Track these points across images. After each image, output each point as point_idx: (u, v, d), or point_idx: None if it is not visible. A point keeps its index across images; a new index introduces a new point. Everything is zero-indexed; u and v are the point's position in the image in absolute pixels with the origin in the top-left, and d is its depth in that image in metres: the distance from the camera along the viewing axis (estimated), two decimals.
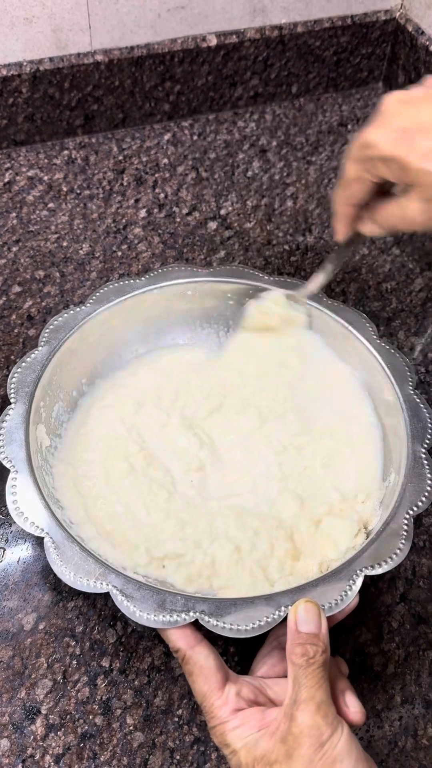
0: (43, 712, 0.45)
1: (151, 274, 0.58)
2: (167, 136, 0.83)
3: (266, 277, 0.59)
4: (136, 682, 0.46)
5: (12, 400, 0.49)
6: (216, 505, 0.51)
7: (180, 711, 0.45)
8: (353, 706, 0.38)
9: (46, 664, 0.46)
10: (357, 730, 0.45)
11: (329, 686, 0.37)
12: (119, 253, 0.70)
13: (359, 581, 0.42)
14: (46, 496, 0.45)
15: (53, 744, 0.44)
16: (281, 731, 0.36)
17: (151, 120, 0.84)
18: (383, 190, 0.45)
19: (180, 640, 0.40)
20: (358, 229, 0.49)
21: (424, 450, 0.48)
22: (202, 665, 0.39)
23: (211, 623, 0.40)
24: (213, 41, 0.80)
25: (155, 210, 0.75)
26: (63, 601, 0.49)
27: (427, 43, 0.82)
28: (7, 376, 0.56)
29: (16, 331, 0.63)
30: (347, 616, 0.43)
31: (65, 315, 0.55)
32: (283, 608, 0.40)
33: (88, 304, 0.56)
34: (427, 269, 0.71)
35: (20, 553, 0.51)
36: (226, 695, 0.38)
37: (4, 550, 0.51)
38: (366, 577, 0.42)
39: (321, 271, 0.55)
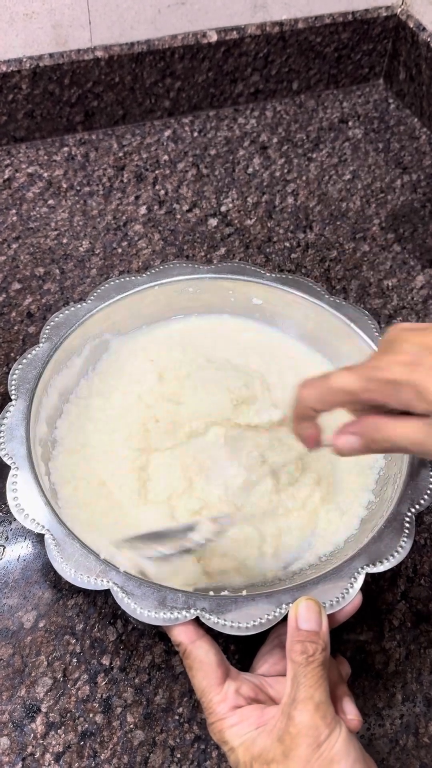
0: (43, 710, 0.45)
1: (153, 271, 0.58)
2: (167, 133, 0.83)
3: (268, 274, 0.59)
4: (136, 680, 0.46)
5: (13, 397, 0.49)
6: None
7: (180, 709, 0.45)
8: (350, 713, 0.38)
9: (46, 662, 0.46)
10: (358, 730, 0.45)
11: (328, 686, 0.37)
12: (119, 250, 0.70)
13: (360, 579, 0.42)
14: (47, 491, 0.45)
15: (53, 742, 0.44)
16: (279, 730, 0.36)
17: (151, 116, 0.83)
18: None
19: (181, 634, 0.40)
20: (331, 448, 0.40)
21: None
22: (202, 660, 0.39)
23: (211, 620, 0.39)
24: (213, 37, 0.79)
25: (155, 207, 0.75)
26: (63, 599, 0.49)
27: (428, 39, 0.82)
28: (7, 373, 0.56)
29: (16, 328, 0.63)
30: (351, 615, 0.42)
31: (66, 312, 0.55)
32: (284, 606, 0.40)
33: (89, 301, 0.56)
34: (428, 266, 0.71)
35: (20, 550, 0.51)
36: (225, 691, 0.38)
37: (4, 547, 0.51)
38: (367, 575, 0.42)
39: None
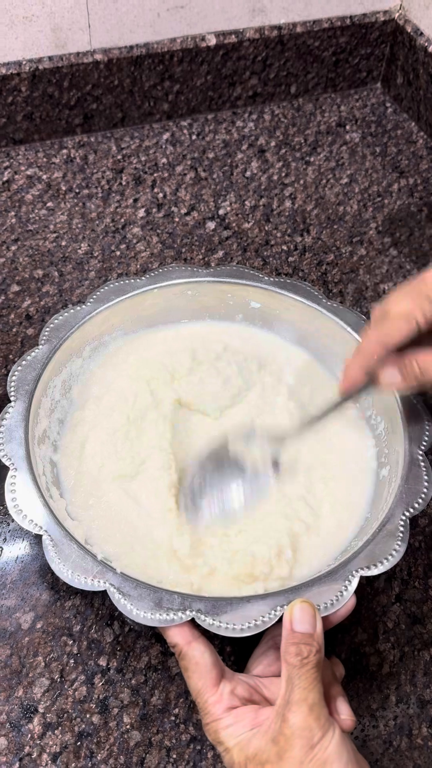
0: (41, 710, 0.45)
1: (151, 274, 0.59)
2: (166, 136, 0.83)
3: (266, 278, 0.59)
4: (133, 681, 0.46)
5: (12, 398, 0.50)
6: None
7: (177, 710, 0.46)
8: (344, 713, 0.39)
9: (43, 663, 0.47)
10: (351, 731, 0.45)
11: (322, 688, 0.37)
12: (118, 253, 0.71)
13: (355, 582, 0.42)
14: (43, 491, 0.45)
15: (50, 742, 0.44)
16: (273, 731, 0.36)
17: (150, 119, 0.84)
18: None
19: (177, 635, 0.40)
20: (376, 377, 0.43)
21: (421, 452, 0.49)
22: (197, 661, 0.39)
23: (207, 622, 0.40)
24: (212, 41, 0.80)
25: (154, 210, 0.75)
26: (60, 600, 0.49)
27: (426, 44, 0.82)
28: (6, 374, 0.57)
29: (14, 330, 0.63)
30: (345, 617, 0.43)
31: (65, 314, 0.55)
32: (279, 608, 0.40)
33: (89, 303, 0.56)
34: (424, 270, 0.71)
35: (18, 551, 0.51)
36: (220, 692, 0.39)
37: (2, 549, 0.51)
38: (362, 577, 0.42)
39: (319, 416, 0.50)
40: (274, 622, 0.40)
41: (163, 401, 0.55)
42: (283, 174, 0.80)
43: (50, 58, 0.75)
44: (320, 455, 0.54)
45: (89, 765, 0.43)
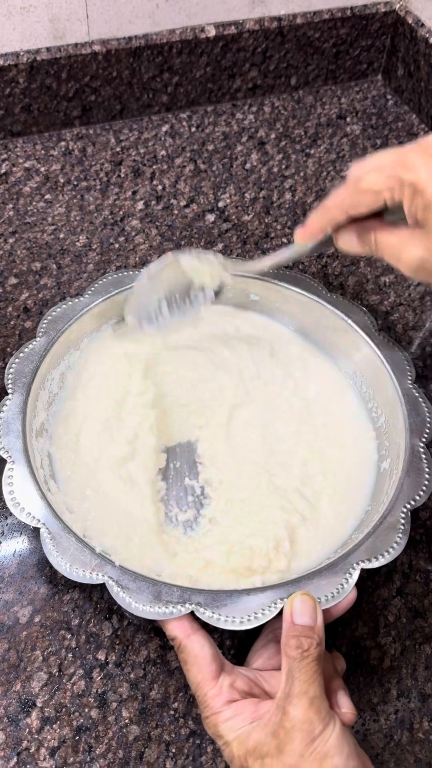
0: (39, 705, 0.45)
1: None
2: (165, 128, 0.83)
3: (266, 270, 0.59)
4: (131, 675, 0.46)
5: (9, 391, 0.49)
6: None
7: (176, 704, 0.45)
8: (345, 707, 0.38)
9: (41, 657, 0.46)
10: (352, 724, 0.45)
11: (323, 681, 0.37)
12: (116, 245, 0.70)
13: (356, 574, 0.42)
14: (41, 484, 0.45)
15: (48, 737, 0.44)
16: (273, 724, 0.36)
17: (149, 111, 0.83)
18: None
19: (176, 628, 0.40)
20: (334, 238, 0.45)
21: (422, 444, 0.48)
22: (197, 654, 0.39)
23: (206, 615, 0.39)
24: (212, 32, 0.79)
25: (153, 202, 0.75)
26: (59, 594, 0.49)
27: (427, 35, 0.82)
28: (3, 367, 0.56)
29: (12, 323, 0.63)
30: (346, 610, 0.42)
31: (63, 306, 0.55)
32: (279, 601, 0.40)
33: (86, 295, 0.56)
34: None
35: (16, 545, 0.51)
36: (219, 685, 0.38)
37: (0, 542, 0.51)
38: (363, 570, 0.42)
39: (273, 257, 0.52)
40: (274, 615, 0.40)
41: (148, 382, 0.55)
42: (283, 166, 0.80)
43: (48, 50, 0.74)
44: (320, 448, 0.53)
45: (88, 759, 0.43)
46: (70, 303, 0.55)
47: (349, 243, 0.44)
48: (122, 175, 0.77)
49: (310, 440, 0.54)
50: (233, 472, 0.52)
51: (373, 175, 0.40)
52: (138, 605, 0.40)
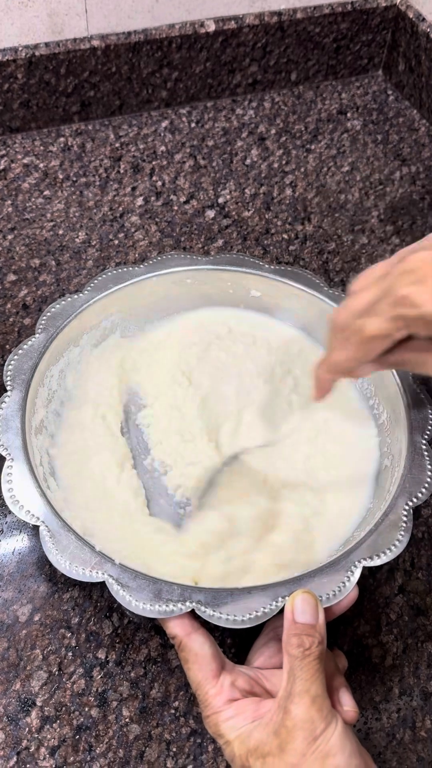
0: (39, 704, 0.44)
1: (150, 262, 0.58)
2: (165, 124, 0.82)
3: (266, 266, 0.58)
4: (132, 674, 0.46)
5: (8, 388, 0.49)
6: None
7: (176, 703, 0.45)
8: (347, 705, 0.38)
9: (41, 656, 0.46)
10: (354, 722, 0.45)
11: (325, 679, 0.37)
12: (116, 242, 0.70)
13: (357, 572, 0.41)
14: (41, 481, 0.45)
15: (48, 736, 0.43)
16: (275, 723, 0.35)
17: (148, 107, 0.83)
18: None
19: (177, 627, 0.39)
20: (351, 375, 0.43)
21: (424, 441, 0.48)
22: (197, 653, 0.39)
23: (207, 613, 0.39)
24: (211, 27, 0.79)
25: (152, 198, 0.74)
26: (59, 593, 0.48)
27: (428, 30, 0.81)
28: (2, 364, 0.56)
29: (11, 320, 0.62)
30: (348, 608, 0.42)
31: (62, 302, 0.54)
32: (280, 599, 0.40)
33: (86, 292, 0.55)
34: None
35: (15, 543, 0.50)
36: (220, 684, 0.38)
37: None
38: (365, 568, 0.42)
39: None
40: (275, 613, 0.39)
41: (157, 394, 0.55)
42: (284, 162, 0.79)
43: (47, 45, 0.74)
44: (322, 444, 0.53)
45: (88, 759, 0.43)
46: (69, 299, 0.54)
47: (366, 372, 0.42)
48: (122, 171, 0.76)
49: (311, 436, 0.53)
50: (240, 469, 0.52)
51: (374, 323, 0.38)
52: (138, 603, 0.39)
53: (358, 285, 0.40)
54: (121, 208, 0.73)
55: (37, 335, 0.52)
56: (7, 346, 0.60)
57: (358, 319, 0.38)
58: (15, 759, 0.42)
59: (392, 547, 0.42)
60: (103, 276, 0.56)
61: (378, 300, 0.37)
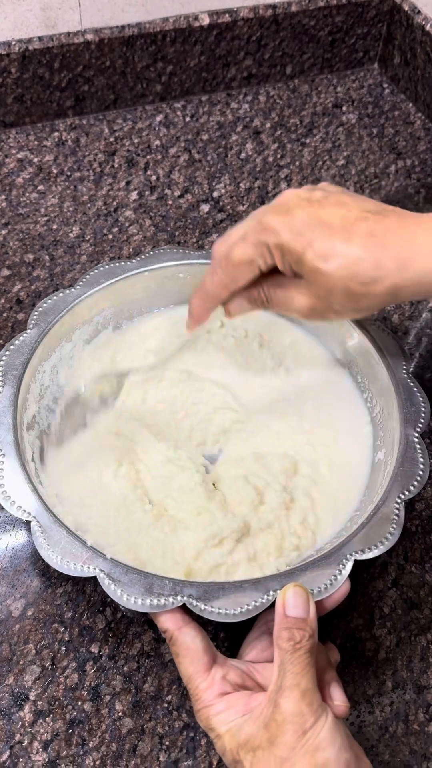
0: (32, 698, 0.44)
1: (143, 257, 0.58)
2: (159, 118, 0.82)
3: None
4: (125, 668, 0.46)
5: (0, 383, 0.49)
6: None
7: (169, 697, 0.45)
8: (337, 699, 0.38)
9: (34, 651, 0.46)
10: (347, 716, 0.45)
11: (315, 673, 0.37)
12: (110, 236, 0.69)
13: (349, 566, 0.41)
14: (32, 477, 0.45)
15: (41, 730, 0.43)
16: (265, 717, 0.35)
17: (142, 101, 0.82)
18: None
19: (168, 620, 0.39)
20: (225, 310, 0.47)
21: (416, 434, 0.48)
22: (188, 647, 0.39)
23: (199, 607, 0.39)
24: (206, 20, 0.78)
25: (147, 192, 0.74)
26: (52, 587, 0.48)
27: (424, 22, 0.81)
28: None
29: (4, 315, 0.62)
30: (340, 602, 0.42)
31: (54, 297, 0.54)
32: (271, 592, 0.40)
33: (78, 287, 0.55)
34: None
35: (9, 539, 0.50)
36: (212, 678, 0.38)
37: None
38: (358, 562, 0.42)
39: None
40: (266, 606, 0.39)
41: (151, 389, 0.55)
42: (279, 156, 0.79)
43: (40, 39, 0.73)
44: (313, 431, 0.53)
45: (81, 753, 0.43)
46: (61, 294, 0.54)
47: (239, 308, 0.46)
48: (116, 166, 0.76)
49: (305, 428, 0.53)
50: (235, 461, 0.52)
51: (239, 248, 0.42)
52: (129, 598, 0.39)
53: (238, 223, 0.44)
54: (115, 203, 0.73)
55: (29, 330, 0.52)
56: (0, 341, 0.60)
57: (229, 247, 0.42)
58: (8, 753, 0.43)
59: (384, 540, 0.42)
60: (96, 271, 0.56)
61: (249, 229, 0.42)
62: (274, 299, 0.44)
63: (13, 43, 0.72)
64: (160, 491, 0.49)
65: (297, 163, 0.78)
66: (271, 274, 0.43)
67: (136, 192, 0.74)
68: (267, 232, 0.40)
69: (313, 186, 0.43)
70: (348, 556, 0.41)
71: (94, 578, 0.41)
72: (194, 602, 0.39)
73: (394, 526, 0.43)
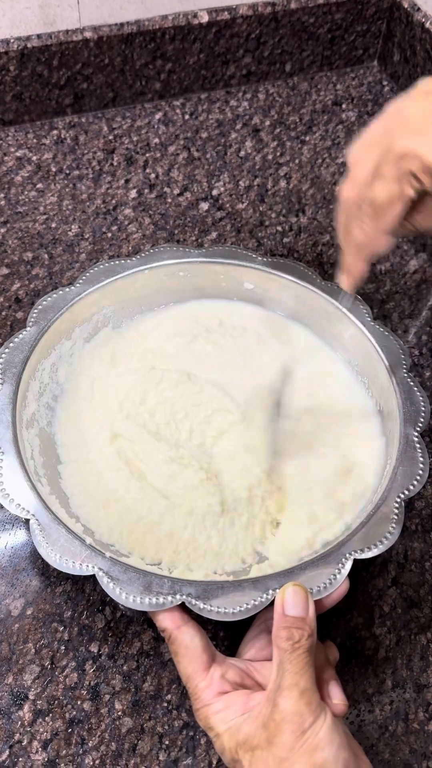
0: (31, 697, 0.44)
1: (143, 255, 0.58)
2: (158, 116, 0.82)
3: (259, 258, 0.58)
4: (124, 668, 0.46)
5: None
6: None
7: (169, 696, 0.45)
8: (336, 698, 0.38)
9: (33, 650, 0.46)
10: (347, 715, 0.45)
11: (314, 672, 0.37)
12: (109, 235, 0.69)
13: (348, 565, 0.41)
14: (32, 475, 0.44)
15: (41, 729, 0.43)
16: (263, 716, 0.35)
17: (141, 99, 0.82)
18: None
19: (166, 619, 0.39)
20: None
21: (416, 433, 0.48)
22: (187, 646, 0.39)
23: (198, 606, 0.39)
24: (205, 18, 0.78)
25: (146, 190, 0.74)
26: (51, 586, 0.48)
27: (423, 20, 0.80)
28: None
29: (3, 313, 0.62)
30: (338, 600, 0.42)
31: (54, 295, 0.54)
32: (270, 591, 0.40)
33: (78, 285, 0.55)
34: (421, 251, 0.70)
35: (8, 537, 0.50)
36: (210, 677, 0.38)
37: None
38: (357, 561, 0.42)
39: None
40: (265, 605, 0.39)
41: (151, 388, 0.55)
42: (278, 153, 0.79)
43: (39, 36, 0.73)
44: (317, 434, 0.53)
45: (80, 752, 0.43)
46: (60, 292, 0.54)
47: (387, 242, 0.41)
48: (115, 164, 0.76)
49: (308, 427, 0.53)
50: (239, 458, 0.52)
51: (380, 187, 0.37)
52: (128, 596, 0.39)
53: (356, 154, 0.39)
54: (114, 201, 0.72)
55: (28, 328, 0.52)
56: (0, 340, 0.60)
57: (366, 190, 0.37)
58: (7, 752, 0.42)
59: (383, 540, 0.42)
60: (95, 269, 0.56)
61: (380, 163, 0.36)
62: (422, 223, 0.39)
63: (12, 40, 0.72)
64: (165, 489, 0.49)
65: (296, 161, 0.78)
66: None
67: (135, 190, 0.74)
68: (407, 159, 0.35)
69: (418, 89, 0.38)
70: (347, 555, 0.41)
71: (94, 578, 0.41)
72: (193, 601, 0.39)
73: (394, 525, 0.43)
